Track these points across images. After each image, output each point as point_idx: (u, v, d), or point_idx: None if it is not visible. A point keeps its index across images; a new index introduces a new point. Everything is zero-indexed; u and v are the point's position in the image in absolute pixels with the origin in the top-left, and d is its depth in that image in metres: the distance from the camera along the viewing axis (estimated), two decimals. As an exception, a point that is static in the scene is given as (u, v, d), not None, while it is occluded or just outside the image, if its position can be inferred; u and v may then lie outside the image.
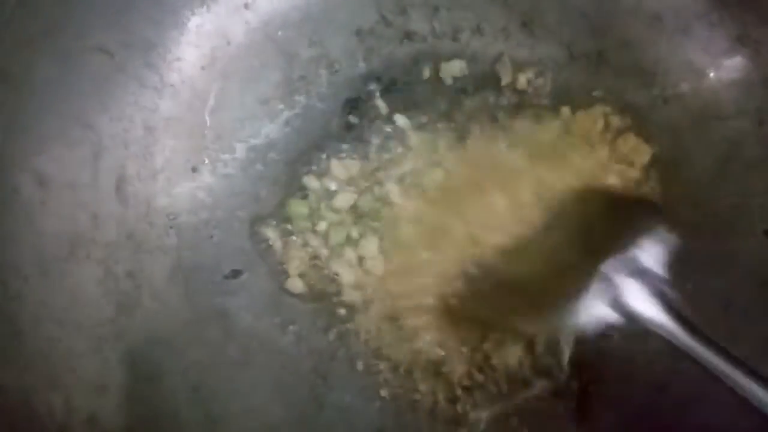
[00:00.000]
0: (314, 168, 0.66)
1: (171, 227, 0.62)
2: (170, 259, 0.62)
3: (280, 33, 0.67)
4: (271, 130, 0.66)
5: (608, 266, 0.51)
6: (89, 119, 0.60)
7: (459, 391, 0.61)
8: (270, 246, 0.64)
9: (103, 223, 0.59)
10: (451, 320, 0.61)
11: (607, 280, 0.50)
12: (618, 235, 0.53)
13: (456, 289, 0.61)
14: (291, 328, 0.63)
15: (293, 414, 0.61)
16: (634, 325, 0.50)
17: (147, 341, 0.58)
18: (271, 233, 0.64)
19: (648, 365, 0.60)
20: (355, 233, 0.64)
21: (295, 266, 0.64)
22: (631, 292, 0.50)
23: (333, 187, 0.65)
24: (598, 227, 0.57)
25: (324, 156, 0.66)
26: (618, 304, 0.50)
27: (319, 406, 0.61)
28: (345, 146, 0.66)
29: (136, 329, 0.58)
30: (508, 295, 0.57)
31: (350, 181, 0.65)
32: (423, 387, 0.62)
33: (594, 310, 0.51)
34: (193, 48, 0.65)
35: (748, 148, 0.63)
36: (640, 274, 0.51)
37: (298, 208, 0.65)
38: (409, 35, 0.70)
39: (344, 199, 0.64)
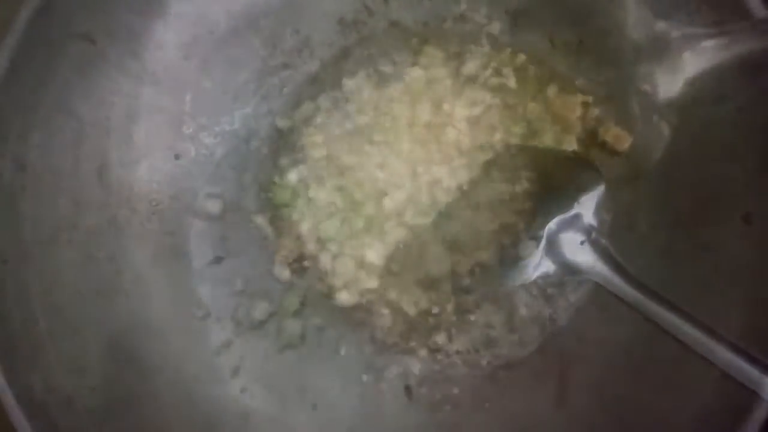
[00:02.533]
0: (296, 155, 0.66)
1: (153, 213, 0.63)
2: (152, 244, 0.62)
3: (262, 21, 0.68)
4: (253, 117, 0.67)
5: (554, 224, 0.55)
6: (71, 106, 0.60)
7: (438, 375, 0.62)
8: (259, 233, 0.65)
9: (84, 209, 0.59)
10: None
11: (553, 238, 0.52)
12: (561, 193, 0.55)
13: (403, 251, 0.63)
14: (274, 315, 0.63)
15: (275, 398, 0.61)
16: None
17: (128, 325, 0.58)
18: (260, 220, 0.65)
19: (626, 350, 0.60)
20: (338, 223, 0.65)
21: (283, 254, 0.64)
22: (576, 248, 0.53)
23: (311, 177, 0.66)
24: (541, 185, 0.59)
25: (304, 142, 0.67)
26: (563, 260, 0.52)
27: (302, 390, 0.62)
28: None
29: (116, 313, 0.58)
30: (452, 254, 0.60)
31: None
32: (403, 371, 0.62)
33: (539, 266, 0.52)
34: (175, 36, 0.65)
35: (727, 134, 0.63)
36: (584, 230, 0.52)
37: (282, 195, 0.66)
38: (393, 24, 0.71)
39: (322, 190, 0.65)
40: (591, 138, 0.67)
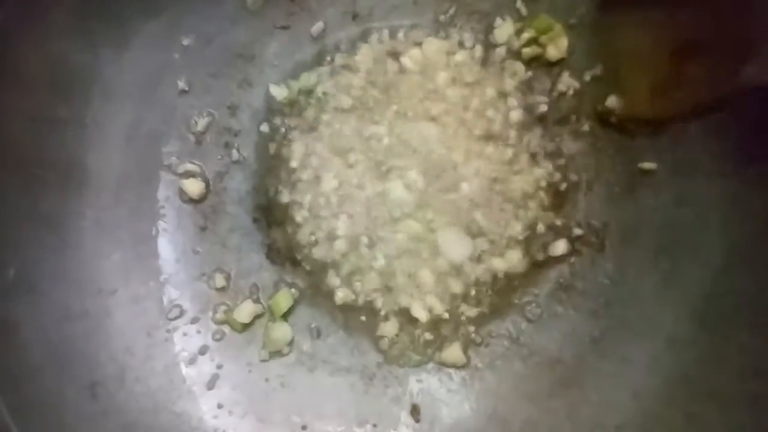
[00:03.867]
0: (292, 131, 0.57)
1: (118, 193, 0.54)
2: (116, 231, 0.54)
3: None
4: (242, 84, 0.58)
5: None
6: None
7: (450, 394, 0.53)
8: (245, 221, 0.57)
9: (40, 191, 0.50)
10: None
11: None
12: None
13: None
14: (261, 317, 0.55)
15: (257, 416, 0.53)
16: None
17: (81, 325, 0.50)
18: (247, 206, 0.57)
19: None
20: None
21: (273, 246, 0.57)
22: None
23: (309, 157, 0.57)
24: None
25: (301, 116, 0.58)
26: None
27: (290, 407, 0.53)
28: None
29: (69, 310, 0.50)
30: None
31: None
32: (410, 388, 0.54)
33: None
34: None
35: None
36: None
37: (273, 177, 0.57)
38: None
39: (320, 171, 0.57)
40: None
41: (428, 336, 0.54)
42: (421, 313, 0.54)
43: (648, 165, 0.54)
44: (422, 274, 0.54)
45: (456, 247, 0.54)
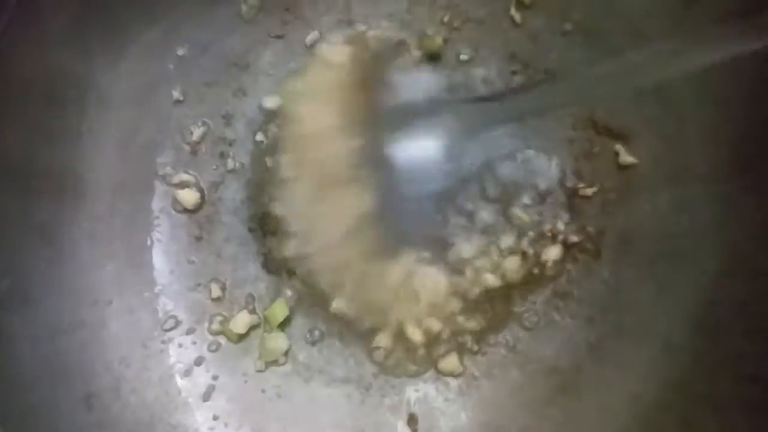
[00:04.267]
0: (287, 140, 0.57)
1: (114, 205, 0.54)
2: (110, 240, 0.53)
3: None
4: (236, 94, 0.58)
5: None
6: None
7: (448, 403, 0.53)
8: (240, 230, 0.57)
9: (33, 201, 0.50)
10: None
11: None
12: None
13: None
14: (256, 327, 0.55)
15: (253, 427, 0.53)
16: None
17: (76, 336, 0.49)
18: (241, 215, 0.57)
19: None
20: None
21: (268, 256, 0.56)
22: None
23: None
24: None
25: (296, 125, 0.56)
26: None
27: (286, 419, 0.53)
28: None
29: (62, 320, 0.49)
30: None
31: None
32: (407, 397, 0.53)
33: None
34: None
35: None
36: None
37: (268, 185, 0.57)
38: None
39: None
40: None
41: (424, 348, 0.54)
42: (417, 336, 0.53)
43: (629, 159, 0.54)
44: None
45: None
